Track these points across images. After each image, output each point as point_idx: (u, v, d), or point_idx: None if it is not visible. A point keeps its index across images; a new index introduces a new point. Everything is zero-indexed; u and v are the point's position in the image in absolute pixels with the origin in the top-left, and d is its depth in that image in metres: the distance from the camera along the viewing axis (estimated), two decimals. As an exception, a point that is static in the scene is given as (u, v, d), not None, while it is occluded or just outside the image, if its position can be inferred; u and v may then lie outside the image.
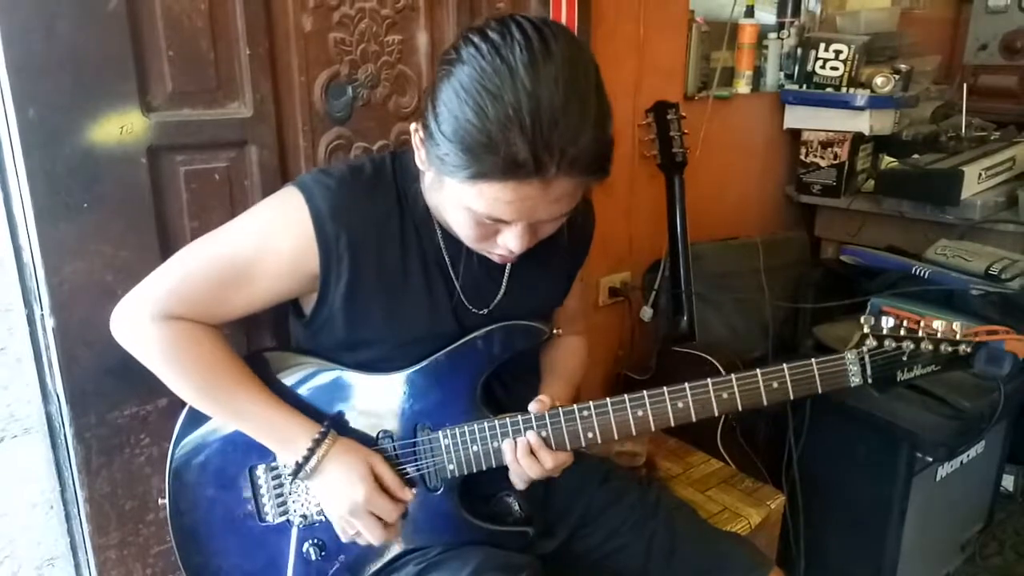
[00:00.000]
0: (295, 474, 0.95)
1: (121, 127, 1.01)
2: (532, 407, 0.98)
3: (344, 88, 1.23)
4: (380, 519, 0.96)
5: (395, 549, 1.03)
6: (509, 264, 1.02)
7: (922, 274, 1.77)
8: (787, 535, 1.69)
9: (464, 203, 0.84)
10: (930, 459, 1.62)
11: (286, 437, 0.96)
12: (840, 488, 1.73)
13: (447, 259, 1.00)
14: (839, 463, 1.72)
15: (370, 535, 0.96)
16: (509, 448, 0.98)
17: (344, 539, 1.00)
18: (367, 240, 0.95)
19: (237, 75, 1.11)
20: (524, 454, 0.97)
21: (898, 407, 1.56)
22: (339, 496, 0.95)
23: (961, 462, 1.76)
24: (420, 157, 0.89)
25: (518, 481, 1.00)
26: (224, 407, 0.98)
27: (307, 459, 0.94)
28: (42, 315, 1.02)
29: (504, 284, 1.04)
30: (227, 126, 1.11)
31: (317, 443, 0.95)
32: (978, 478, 1.89)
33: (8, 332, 1.03)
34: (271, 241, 0.94)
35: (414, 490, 0.99)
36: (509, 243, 0.88)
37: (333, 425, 0.99)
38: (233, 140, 1.13)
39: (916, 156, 2.19)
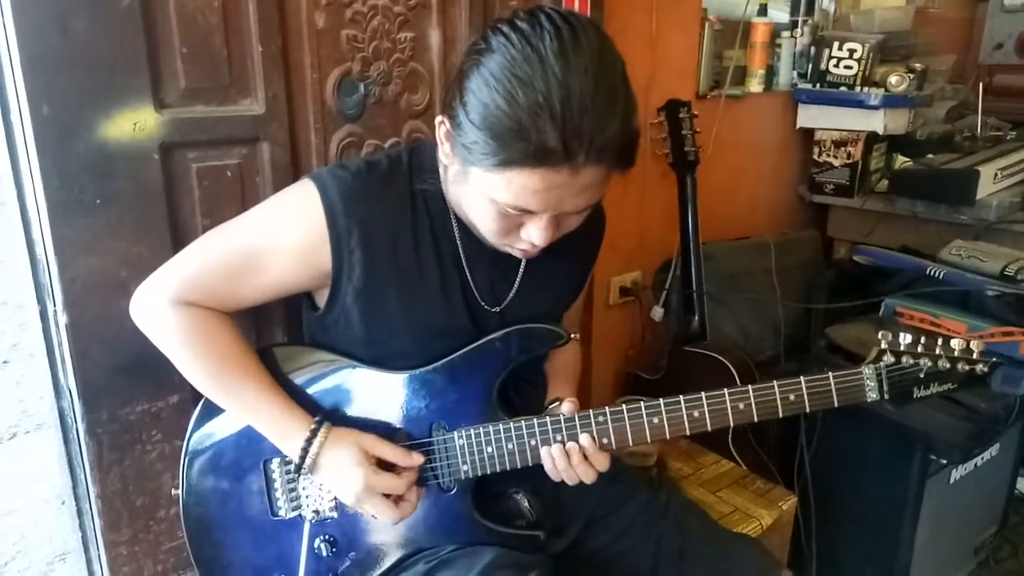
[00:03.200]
0: (297, 471, 0.96)
1: (134, 124, 1.02)
2: (565, 408, 0.98)
3: (356, 85, 1.22)
4: (391, 496, 0.96)
5: (405, 548, 1.02)
6: (523, 263, 1.02)
7: (937, 275, 1.76)
8: (799, 537, 1.68)
9: (490, 194, 0.84)
10: (944, 461, 1.61)
11: (285, 433, 0.97)
12: (852, 490, 1.71)
13: (462, 255, 0.99)
14: (851, 465, 1.70)
15: (383, 516, 0.97)
16: (555, 454, 0.96)
17: (368, 517, 1.00)
18: (380, 234, 0.95)
19: (250, 72, 1.11)
20: (579, 461, 0.96)
21: (912, 408, 1.52)
22: (342, 487, 0.96)
23: (975, 464, 1.74)
24: (444, 150, 0.89)
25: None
26: (232, 396, 0.98)
27: (303, 456, 0.95)
28: (55, 311, 1.03)
29: (517, 282, 1.03)
30: (239, 123, 1.11)
31: (310, 440, 0.95)
32: (992, 481, 1.88)
33: (20, 328, 1.03)
34: (283, 232, 0.94)
35: (422, 455, 0.99)
36: (533, 236, 0.88)
37: (344, 421, 0.99)
38: (245, 137, 1.13)
39: (930, 156, 2.18)
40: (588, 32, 0.79)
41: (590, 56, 0.77)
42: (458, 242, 0.99)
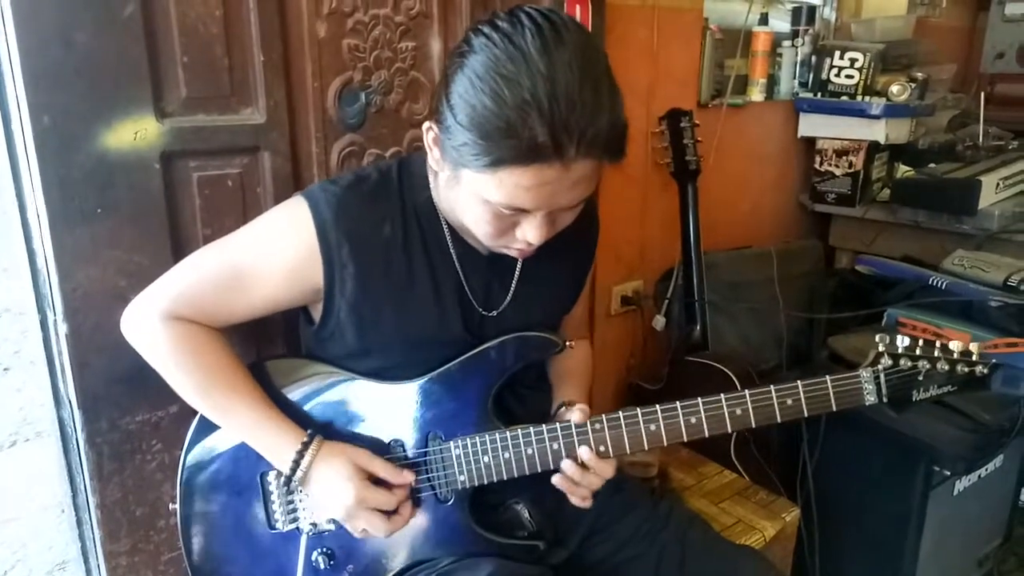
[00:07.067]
0: (287, 484, 0.95)
1: (135, 133, 1.02)
2: (576, 417, 0.98)
3: (357, 94, 1.23)
4: (382, 511, 0.96)
5: (403, 560, 1.02)
6: (518, 269, 1.02)
7: (939, 285, 1.75)
8: (802, 549, 1.67)
9: (482, 195, 0.84)
10: (948, 473, 1.60)
11: (275, 447, 0.96)
12: (856, 501, 1.70)
13: (456, 262, 0.99)
14: (855, 476, 1.69)
15: (374, 530, 0.96)
16: (566, 472, 0.97)
17: (358, 535, 0.99)
18: (372, 247, 0.95)
19: (251, 81, 1.11)
20: (580, 474, 0.96)
21: (916, 419, 1.54)
22: (332, 502, 0.96)
23: (979, 476, 1.73)
24: (434, 156, 0.88)
25: (580, 501, 1.00)
26: (222, 411, 0.98)
27: (293, 470, 0.94)
28: (55, 320, 1.03)
29: (513, 286, 1.03)
30: (240, 132, 1.12)
31: (301, 453, 0.94)
32: (997, 492, 1.86)
33: (22, 335, 1.03)
34: (274, 248, 0.95)
35: (413, 473, 0.98)
36: (528, 235, 0.88)
37: (340, 434, 0.99)
38: (246, 146, 1.13)
39: (932, 165, 2.17)
40: (569, 28, 0.80)
41: (573, 51, 0.78)
42: (451, 250, 0.99)
